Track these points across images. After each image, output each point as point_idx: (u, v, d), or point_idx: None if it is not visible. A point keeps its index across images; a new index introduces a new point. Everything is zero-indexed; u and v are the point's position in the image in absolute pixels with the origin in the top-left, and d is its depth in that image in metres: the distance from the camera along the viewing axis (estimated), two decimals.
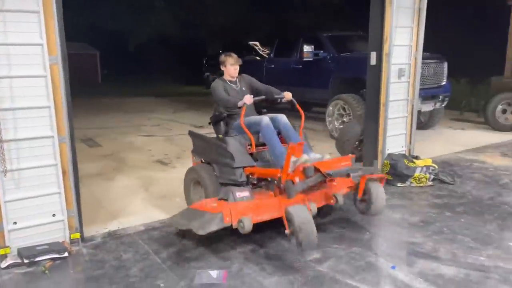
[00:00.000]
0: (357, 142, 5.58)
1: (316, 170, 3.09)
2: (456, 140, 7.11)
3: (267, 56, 9.50)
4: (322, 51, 7.75)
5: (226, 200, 3.18)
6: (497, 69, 8.78)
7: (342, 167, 3.27)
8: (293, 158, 3.16)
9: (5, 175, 2.90)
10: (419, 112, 6.99)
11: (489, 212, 3.91)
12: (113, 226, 3.65)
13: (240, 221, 2.92)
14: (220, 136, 3.74)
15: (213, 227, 2.93)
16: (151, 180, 4.97)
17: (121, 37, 25.74)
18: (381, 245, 3.32)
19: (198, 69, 18.23)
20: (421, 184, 4.67)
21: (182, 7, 20.07)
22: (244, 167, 3.53)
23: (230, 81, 3.98)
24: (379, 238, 3.44)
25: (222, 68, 3.99)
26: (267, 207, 3.16)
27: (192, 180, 3.93)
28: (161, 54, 25.07)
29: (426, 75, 6.88)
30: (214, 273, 2.85)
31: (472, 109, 9.32)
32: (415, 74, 5.27)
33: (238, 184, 3.49)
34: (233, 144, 3.61)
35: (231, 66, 3.93)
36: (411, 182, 4.68)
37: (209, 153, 3.80)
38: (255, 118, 3.76)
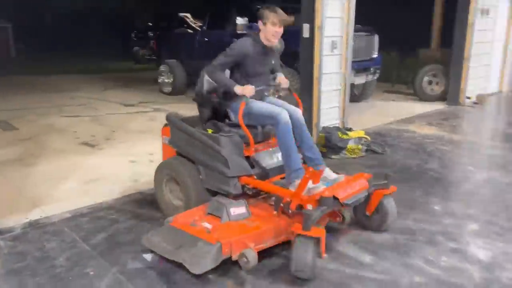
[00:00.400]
0: None
1: (335, 199, 2.64)
2: (388, 111, 7.52)
3: (199, 29, 9.29)
4: (256, 24, 7.70)
5: (218, 217, 2.76)
6: (425, 41, 9.34)
7: (360, 192, 2.84)
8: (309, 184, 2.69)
9: None
10: (352, 85, 7.28)
11: (416, 179, 4.22)
12: (34, 215, 3.45)
13: (243, 255, 2.47)
14: (211, 131, 3.09)
15: (211, 263, 2.43)
16: (77, 164, 4.74)
17: (38, 8, 23.79)
18: None
19: (126, 43, 17.46)
20: (354, 156, 4.91)
21: None
22: (239, 177, 2.97)
23: (266, 46, 3.13)
24: None
25: (260, 27, 3.07)
26: (271, 232, 2.70)
27: (166, 177, 3.33)
28: (85, 27, 23.58)
29: (357, 48, 7.11)
30: (148, 257, 2.82)
31: (402, 81, 9.88)
32: (347, 46, 5.45)
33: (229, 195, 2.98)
34: (228, 145, 2.95)
35: (272, 27, 3.01)
36: (345, 154, 4.91)
37: (195, 151, 3.13)
38: (269, 108, 3.01)
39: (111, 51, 18.95)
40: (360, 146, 4.95)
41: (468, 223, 3.27)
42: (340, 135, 4.95)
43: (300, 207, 2.67)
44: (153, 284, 2.52)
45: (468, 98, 7.99)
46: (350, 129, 5.26)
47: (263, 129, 3.20)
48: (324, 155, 4.88)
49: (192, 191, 3.09)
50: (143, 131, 6.17)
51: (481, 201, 3.74)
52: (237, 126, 3.06)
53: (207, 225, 2.70)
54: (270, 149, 3.18)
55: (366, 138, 5.06)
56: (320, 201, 2.60)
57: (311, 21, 5.02)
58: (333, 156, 4.89)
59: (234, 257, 2.51)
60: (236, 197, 2.96)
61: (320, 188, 2.72)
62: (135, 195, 3.86)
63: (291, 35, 7.14)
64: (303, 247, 2.42)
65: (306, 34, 5.10)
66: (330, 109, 5.50)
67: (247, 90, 2.95)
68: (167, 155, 3.50)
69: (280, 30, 3.03)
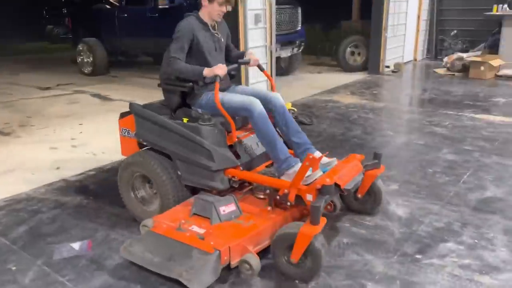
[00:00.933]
0: None
1: (336, 186, 2.44)
2: (314, 83, 7.74)
3: (118, 4, 8.80)
4: None
5: (206, 218, 2.47)
6: (347, 14, 9.65)
7: (357, 175, 2.69)
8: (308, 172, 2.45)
9: None
10: (279, 58, 7.38)
11: (341, 146, 4.43)
12: None
13: (244, 261, 2.23)
14: (186, 120, 2.73)
15: (212, 276, 2.16)
16: None
17: None
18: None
19: (38, 22, 16.10)
20: None
21: None
22: (225, 169, 2.67)
23: (210, 25, 2.91)
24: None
25: (204, 3, 2.83)
26: (269, 231, 2.44)
27: (134, 176, 2.91)
28: None
29: (281, 21, 7.19)
30: (76, 245, 2.71)
31: (326, 53, 10.18)
32: (271, 19, 5.48)
33: (212, 191, 2.71)
34: (211, 136, 2.62)
35: (220, 7, 2.81)
36: None
37: (169, 143, 2.73)
38: (239, 99, 2.74)
39: (23, 32, 17.39)
40: None
41: (389, 183, 3.50)
42: None
43: (299, 198, 2.45)
44: (82, 272, 2.43)
45: (387, 67, 8.45)
46: None
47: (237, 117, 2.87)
48: None
49: (170, 190, 2.71)
50: (63, 116, 5.81)
51: (400, 162, 4.02)
52: (212, 112, 2.75)
53: (198, 229, 2.38)
54: (252, 135, 2.85)
55: (293, 109, 5.18)
56: (321, 190, 2.36)
57: None
58: None
59: (234, 264, 2.25)
60: (221, 192, 2.70)
61: (317, 175, 2.50)
62: (58, 183, 3.66)
63: None
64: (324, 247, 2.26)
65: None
66: (257, 84, 5.54)
67: (218, 69, 2.66)
68: (128, 150, 3.07)
69: (225, 10, 2.85)
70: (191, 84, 2.80)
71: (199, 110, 2.83)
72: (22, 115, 5.87)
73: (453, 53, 8.64)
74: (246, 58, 3.01)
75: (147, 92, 7.20)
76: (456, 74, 8.09)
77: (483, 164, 3.88)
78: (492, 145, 4.36)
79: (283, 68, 8.20)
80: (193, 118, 2.73)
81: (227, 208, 2.51)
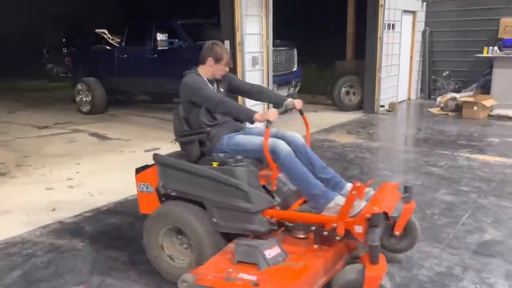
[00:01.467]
0: None
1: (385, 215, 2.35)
2: (310, 122, 7.76)
3: (118, 45, 9.03)
4: (177, 40, 7.70)
5: (253, 264, 2.34)
6: (341, 54, 9.92)
7: (398, 203, 2.57)
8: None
9: None
10: None
11: None
12: None
13: None
14: (216, 164, 2.67)
15: None
16: None
17: None
18: None
19: (37, 61, 16.38)
20: None
21: None
22: (263, 210, 2.56)
23: (208, 80, 2.98)
24: None
25: (209, 63, 2.91)
26: (321, 271, 2.35)
27: (163, 228, 2.74)
28: None
29: (278, 62, 7.38)
30: None
31: (321, 92, 10.37)
32: (268, 61, 5.63)
33: (251, 234, 2.58)
34: (245, 177, 2.55)
35: (224, 67, 2.95)
36: None
37: (202, 190, 2.62)
38: (256, 140, 2.73)
39: (21, 70, 17.66)
40: None
41: None
42: None
43: (347, 231, 2.36)
44: None
45: (382, 106, 8.61)
46: None
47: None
48: None
49: (206, 240, 2.56)
50: (60, 155, 5.82)
51: None
52: (235, 153, 2.73)
53: (248, 276, 2.24)
54: (280, 174, 2.74)
55: None
56: (371, 220, 2.26)
57: (231, 37, 5.11)
58: None
59: None
60: (260, 236, 2.56)
61: (361, 205, 2.43)
62: (53, 225, 3.62)
63: None
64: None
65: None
66: (254, 124, 5.61)
67: (271, 114, 2.62)
68: (148, 207, 2.92)
69: (228, 69, 2.99)
70: (208, 129, 2.79)
71: (221, 155, 2.78)
72: (18, 155, 5.87)
73: (446, 93, 8.84)
74: (289, 103, 2.96)
75: (144, 131, 7.27)
76: (450, 113, 8.24)
77: (481, 206, 3.89)
78: (488, 185, 4.40)
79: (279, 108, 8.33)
80: (222, 162, 2.65)
81: (272, 251, 2.38)
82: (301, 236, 2.62)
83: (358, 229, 2.30)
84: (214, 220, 2.59)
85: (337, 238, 2.40)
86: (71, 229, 3.56)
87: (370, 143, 6.24)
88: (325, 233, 2.44)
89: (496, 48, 8.15)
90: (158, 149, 6.12)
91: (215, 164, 2.65)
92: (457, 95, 8.40)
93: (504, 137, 6.45)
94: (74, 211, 3.90)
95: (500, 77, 7.97)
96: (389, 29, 8.45)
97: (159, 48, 7.66)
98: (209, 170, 2.61)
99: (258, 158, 2.70)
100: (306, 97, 10.16)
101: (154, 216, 2.76)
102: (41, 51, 16.36)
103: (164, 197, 2.85)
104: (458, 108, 8.13)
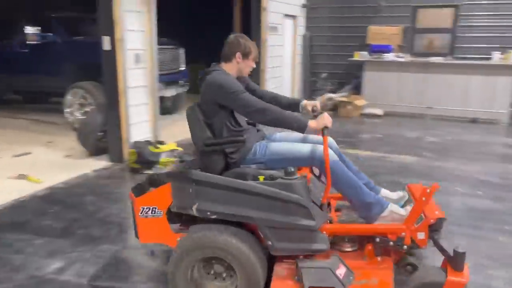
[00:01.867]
0: (101, 133, 5.41)
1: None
2: None
3: None
4: (51, 34, 7.09)
5: None
6: None
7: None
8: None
9: None
10: (163, 97, 7.36)
11: None
12: None
13: None
14: (262, 178, 2.33)
15: None
16: None
17: None
18: (129, 237, 3.36)
19: None
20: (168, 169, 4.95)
21: None
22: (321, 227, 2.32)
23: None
24: (128, 230, 3.47)
25: (237, 59, 2.59)
26: (392, 284, 2.25)
27: (195, 262, 2.33)
28: None
29: (164, 61, 7.23)
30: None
31: None
32: (152, 60, 5.47)
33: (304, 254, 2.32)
34: (304, 190, 2.27)
35: (252, 63, 2.64)
36: (158, 167, 4.90)
37: (253, 210, 2.25)
38: (301, 148, 2.47)
39: None
40: (173, 159, 5.01)
41: None
42: (151, 149, 4.92)
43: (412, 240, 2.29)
44: None
45: None
46: (162, 142, 5.28)
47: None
48: (137, 171, 4.81)
49: (258, 267, 2.25)
50: None
51: None
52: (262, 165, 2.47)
53: None
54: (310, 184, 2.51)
55: (178, 149, 5.16)
56: (435, 225, 2.25)
57: (111, 33, 4.85)
58: (146, 171, 4.82)
59: None
60: (317, 254, 2.32)
61: (402, 211, 2.39)
62: None
63: (92, 46, 6.90)
64: None
65: (107, 46, 4.92)
66: (140, 124, 5.42)
67: (327, 120, 2.35)
68: (153, 235, 2.52)
69: (254, 65, 2.68)
70: (244, 137, 2.48)
71: (253, 166, 2.48)
72: None
73: (324, 94, 9.54)
74: (316, 109, 2.72)
75: (14, 134, 6.55)
76: (328, 112, 8.93)
77: None
78: None
79: (168, 107, 8.18)
80: (271, 177, 2.34)
81: (340, 270, 2.21)
82: (349, 249, 2.47)
83: (421, 235, 2.26)
84: (269, 243, 2.27)
85: (404, 247, 2.30)
86: None
87: None
88: (391, 243, 2.31)
89: (366, 52, 9.05)
90: (29, 153, 5.58)
91: (261, 179, 2.33)
92: (333, 96, 9.13)
93: (373, 133, 7.19)
94: None
95: (369, 79, 8.87)
96: (272, 31, 8.83)
97: (29, 42, 7.00)
98: (264, 186, 2.24)
99: (290, 165, 2.35)
100: (195, 97, 10.13)
101: (186, 247, 2.30)
102: None
103: (179, 221, 2.53)
104: (336, 108, 8.84)
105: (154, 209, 2.46)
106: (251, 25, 8.36)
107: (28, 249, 3.11)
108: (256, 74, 8.50)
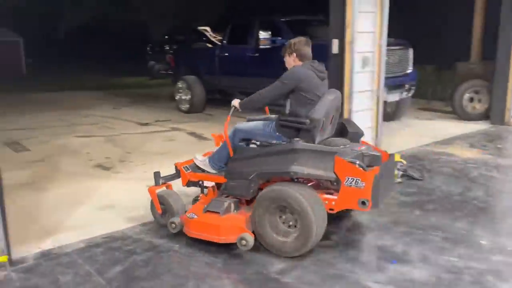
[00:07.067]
0: None
1: None
2: (424, 131, 7.43)
3: (219, 43, 9.45)
4: (280, 38, 7.82)
5: None
6: (464, 54, 9.22)
7: None
8: None
9: None
10: (385, 102, 7.24)
11: (459, 209, 4.12)
12: (47, 244, 3.51)
13: None
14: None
15: None
16: (91, 188, 4.82)
17: (49, 22, 24.68)
18: (349, 250, 3.42)
19: (140, 57, 17.88)
20: None
21: None
22: None
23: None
24: (346, 242, 3.54)
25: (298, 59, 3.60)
26: None
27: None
28: (96, 41, 24.31)
29: (391, 63, 7.10)
30: None
31: (439, 97, 9.77)
32: (380, 62, 5.45)
33: None
34: None
35: None
36: None
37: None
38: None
39: (125, 66, 19.43)
40: (396, 172, 4.88)
41: None
42: None
43: None
44: None
45: None
46: None
47: None
48: None
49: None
50: (160, 153, 6.25)
51: None
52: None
53: None
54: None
55: (402, 162, 4.99)
56: None
57: (340, 36, 5.04)
58: None
59: None
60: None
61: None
62: (151, 224, 3.89)
63: (317, 50, 7.30)
64: None
65: (335, 50, 5.13)
66: (361, 112, 5.45)
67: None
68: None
69: None
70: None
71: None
72: (122, 150, 6.44)
73: None
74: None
75: None
76: None
77: None
78: None
79: (388, 113, 8.02)
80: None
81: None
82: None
83: None
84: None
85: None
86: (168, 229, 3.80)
87: (499, 160, 5.69)
88: None
89: None
90: None
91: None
92: None
93: None
94: None
95: None
96: None
97: (261, 46, 7.86)
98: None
99: None
100: (419, 102, 9.69)
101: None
102: (145, 49, 17.79)
103: None
104: None
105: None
106: (500, 15, 7.35)
107: None
108: (503, 76, 7.54)
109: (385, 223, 3.87)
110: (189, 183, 3.86)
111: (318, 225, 3.11)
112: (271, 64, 8.07)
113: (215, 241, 3.29)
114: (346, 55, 5.08)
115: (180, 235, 3.58)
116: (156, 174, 3.85)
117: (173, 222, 3.48)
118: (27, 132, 7.69)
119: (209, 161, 3.77)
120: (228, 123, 3.51)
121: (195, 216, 3.39)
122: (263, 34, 7.65)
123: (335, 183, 3.24)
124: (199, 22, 12.73)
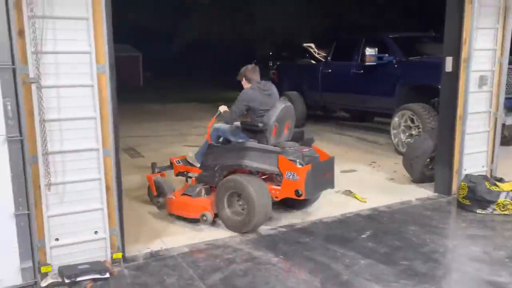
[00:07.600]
0: (428, 160, 5.38)
1: None
2: None
3: (323, 60, 9.45)
4: (387, 55, 7.60)
5: None
6: None
7: None
8: None
9: (49, 189, 3.07)
10: (503, 125, 6.63)
11: None
12: (155, 246, 3.75)
13: None
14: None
15: None
16: None
17: (165, 38, 26.73)
18: (458, 283, 3.16)
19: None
20: (506, 212, 4.41)
21: (229, 6, 20.53)
22: None
23: None
24: (455, 275, 3.28)
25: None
26: None
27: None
28: (206, 56, 25.79)
29: (511, 83, 6.53)
30: None
31: None
32: (500, 82, 5.02)
33: None
34: None
35: None
36: (494, 209, 4.43)
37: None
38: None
39: (232, 80, 20.27)
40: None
41: None
42: (488, 186, 4.50)
43: None
44: None
45: None
46: (500, 180, 4.75)
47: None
48: (467, 208, 4.51)
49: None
50: None
51: None
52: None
53: None
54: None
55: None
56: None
57: (456, 53, 4.74)
58: (478, 211, 4.45)
59: None
60: None
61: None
62: (251, 235, 3.96)
63: (427, 67, 6.96)
64: None
65: (449, 68, 4.83)
66: (475, 154, 5.06)
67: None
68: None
69: None
70: None
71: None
72: None
73: None
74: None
75: (342, 150, 7.37)
76: None
77: None
78: None
79: (505, 137, 7.34)
80: None
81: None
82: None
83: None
84: None
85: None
86: (267, 241, 3.83)
87: None
88: None
89: None
90: (355, 171, 6.13)
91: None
92: None
93: None
94: (271, 223, 4.20)
95: None
96: None
97: (367, 63, 7.70)
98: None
99: None
100: None
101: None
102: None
103: None
104: None
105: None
106: None
107: (354, 267, 3.39)
108: None
109: (500, 257, 3.53)
110: (178, 174, 4.79)
111: (261, 208, 3.84)
112: (376, 81, 7.88)
113: (185, 216, 4.16)
114: (461, 74, 4.75)
115: (277, 249, 3.60)
116: (153, 165, 4.85)
117: (158, 201, 4.54)
118: (141, 140, 8.33)
119: (195, 157, 4.63)
120: (212, 123, 4.54)
121: (174, 197, 4.23)
122: (369, 51, 7.48)
123: (279, 177, 4.01)
124: (303, 40, 12.86)
